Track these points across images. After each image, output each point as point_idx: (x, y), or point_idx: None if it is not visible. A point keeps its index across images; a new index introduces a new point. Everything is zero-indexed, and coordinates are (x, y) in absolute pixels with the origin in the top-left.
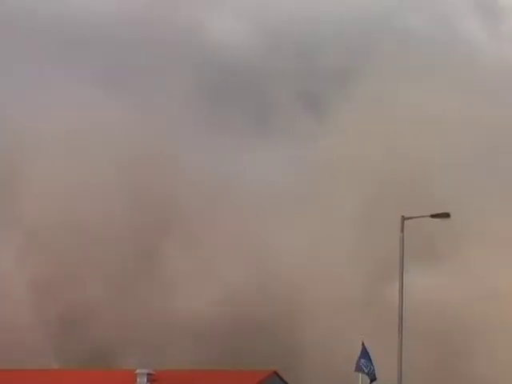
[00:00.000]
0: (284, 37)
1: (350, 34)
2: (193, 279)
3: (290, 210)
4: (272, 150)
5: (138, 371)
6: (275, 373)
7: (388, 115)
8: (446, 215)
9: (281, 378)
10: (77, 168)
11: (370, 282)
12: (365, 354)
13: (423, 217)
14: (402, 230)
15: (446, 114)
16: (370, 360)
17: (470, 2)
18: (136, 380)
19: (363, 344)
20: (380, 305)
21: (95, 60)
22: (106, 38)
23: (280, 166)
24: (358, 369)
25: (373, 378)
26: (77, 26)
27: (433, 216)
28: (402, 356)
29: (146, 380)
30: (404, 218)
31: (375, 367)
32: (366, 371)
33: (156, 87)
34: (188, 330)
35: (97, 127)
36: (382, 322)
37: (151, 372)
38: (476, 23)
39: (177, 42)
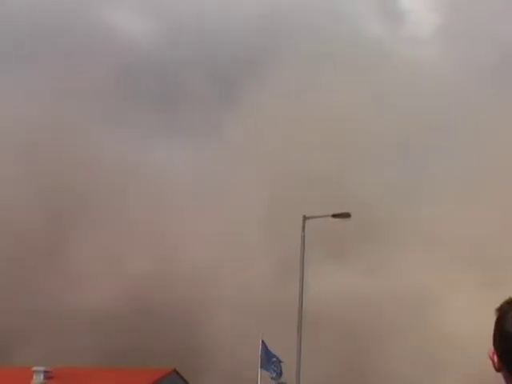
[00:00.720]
0: (190, 29)
1: (259, 29)
2: (96, 272)
3: (197, 203)
4: (180, 143)
5: (34, 369)
6: (174, 371)
7: (289, 116)
8: (347, 215)
9: (180, 376)
10: None
11: (274, 280)
12: (266, 351)
13: (324, 216)
14: (303, 229)
15: (353, 113)
16: (272, 357)
17: (373, 4)
18: (32, 377)
19: (263, 342)
20: (283, 303)
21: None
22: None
23: (188, 157)
24: (264, 367)
25: (278, 376)
26: None
27: (334, 216)
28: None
29: (42, 377)
30: (305, 218)
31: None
32: (274, 375)
33: (66, 78)
34: (87, 325)
35: (4, 116)
36: (285, 319)
37: (48, 369)
38: (378, 24)
39: (86, 34)
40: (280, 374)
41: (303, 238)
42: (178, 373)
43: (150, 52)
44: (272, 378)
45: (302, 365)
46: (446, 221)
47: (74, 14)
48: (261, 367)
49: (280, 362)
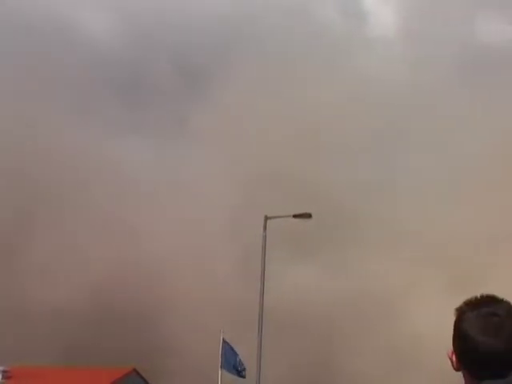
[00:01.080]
0: (155, 23)
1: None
2: (56, 269)
3: (159, 199)
4: (145, 137)
5: None
6: (134, 370)
7: (256, 111)
8: (308, 215)
9: (140, 376)
10: None
11: (236, 279)
12: (228, 350)
13: (285, 216)
14: (265, 229)
15: (321, 112)
16: (235, 356)
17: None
18: None
19: (224, 340)
20: (246, 302)
21: None
22: None
23: (152, 152)
24: (225, 367)
25: (242, 375)
26: None
27: (295, 216)
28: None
29: (0, 377)
30: (267, 218)
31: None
32: (236, 373)
33: (28, 75)
34: (47, 324)
35: None
36: (247, 319)
37: (6, 369)
38: (342, 24)
39: (52, 30)
40: (243, 371)
41: (264, 237)
42: (137, 372)
43: (114, 48)
44: (240, 376)
45: (265, 365)
46: (413, 220)
47: (34, 11)
48: (221, 367)
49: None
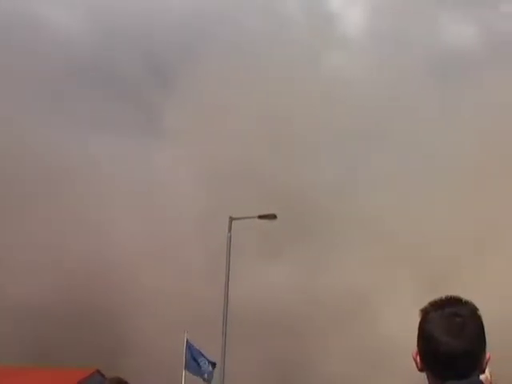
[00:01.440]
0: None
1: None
2: (20, 268)
3: (130, 199)
4: (119, 137)
5: None
6: (97, 371)
7: (226, 110)
8: (273, 216)
9: (104, 377)
10: None
11: (202, 280)
12: (193, 350)
13: (251, 218)
14: (230, 230)
15: (281, 111)
16: (200, 357)
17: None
18: None
19: (188, 341)
20: (212, 303)
21: None
22: None
23: (123, 152)
24: (189, 368)
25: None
26: None
27: (260, 217)
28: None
29: None
30: (231, 219)
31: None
32: (201, 374)
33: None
34: (9, 323)
35: None
36: (213, 319)
37: None
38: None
39: (21, 26)
40: (209, 372)
41: (229, 238)
42: (101, 373)
43: (86, 45)
44: (204, 380)
45: (235, 364)
46: (387, 220)
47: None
48: (185, 368)
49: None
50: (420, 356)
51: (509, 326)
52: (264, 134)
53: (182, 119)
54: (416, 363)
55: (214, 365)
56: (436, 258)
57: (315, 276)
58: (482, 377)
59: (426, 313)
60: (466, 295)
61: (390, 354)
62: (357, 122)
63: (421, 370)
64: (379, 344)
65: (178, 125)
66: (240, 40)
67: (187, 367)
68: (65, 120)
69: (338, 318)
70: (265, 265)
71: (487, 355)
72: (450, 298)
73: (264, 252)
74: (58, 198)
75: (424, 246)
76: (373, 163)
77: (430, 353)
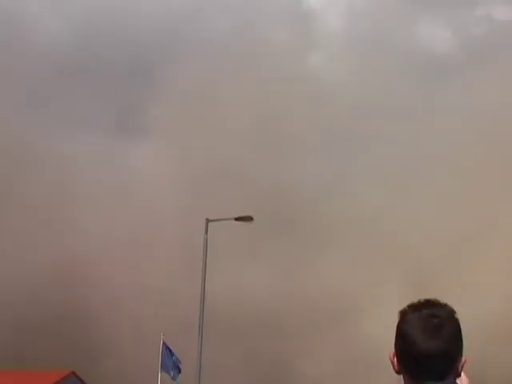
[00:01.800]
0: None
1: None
2: None
3: (105, 199)
4: (94, 134)
5: None
6: (73, 373)
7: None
8: (250, 218)
9: (79, 379)
10: None
11: (179, 282)
12: (167, 352)
13: (227, 219)
14: (206, 232)
15: (260, 110)
16: (172, 358)
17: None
18: None
19: (164, 343)
20: (188, 304)
21: None
22: None
23: (101, 149)
24: (165, 369)
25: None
26: None
27: (236, 219)
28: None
29: None
30: (208, 220)
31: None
32: (172, 375)
33: None
34: None
35: None
36: (190, 320)
37: None
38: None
39: (10, 28)
40: (178, 372)
41: (205, 240)
42: (76, 375)
43: (62, 41)
44: (172, 379)
45: (214, 365)
46: (371, 221)
47: None
48: (161, 369)
49: (179, 361)
50: (397, 357)
51: (497, 323)
52: (248, 134)
53: (161, 119)
54: (393, 365)
55: (179, 370)
56: (423, 259)
57: (293, 277)
58: (457, 380)
59: (404, 314)
60: (454, 295)
61: (371, 354)
62: (345, 121)
63: (398, 371)
64: (362, 345)
65: (158, 124)
66: (225, 40)
67: (163, 368)
68: (41, 117)
69: (320, 320)
70: (242, 266)
71: (463, 359)
72: (429, 300)
73: (241, 253)
74: (26, 197)
75: (411, 247)
76: (360, 163)
77: (407, 352)
